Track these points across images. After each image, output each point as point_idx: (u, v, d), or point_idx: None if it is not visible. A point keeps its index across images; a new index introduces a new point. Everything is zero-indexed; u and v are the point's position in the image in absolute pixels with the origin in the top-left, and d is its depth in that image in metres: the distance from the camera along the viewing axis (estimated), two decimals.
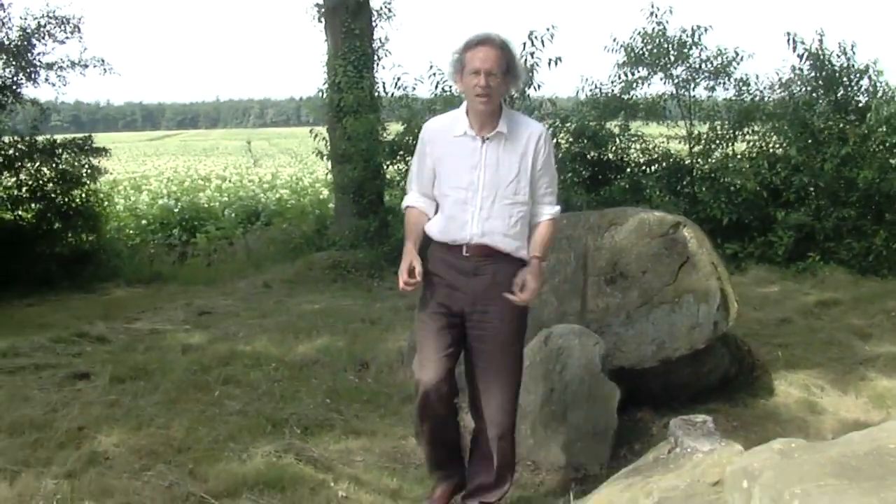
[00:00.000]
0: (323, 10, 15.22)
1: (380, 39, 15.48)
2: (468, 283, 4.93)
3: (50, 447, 6.28)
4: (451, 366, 4.96)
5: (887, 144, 14.30)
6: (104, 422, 6.78)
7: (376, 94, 15.19)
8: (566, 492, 5.61)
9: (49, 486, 5.48)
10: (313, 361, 8.58)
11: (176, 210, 21.21)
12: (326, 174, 18.01)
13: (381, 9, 15.67)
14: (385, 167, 15.09)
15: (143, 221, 20.06)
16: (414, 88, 15.18)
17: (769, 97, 15.83)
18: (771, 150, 15.36)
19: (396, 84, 15.14)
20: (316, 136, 15.76)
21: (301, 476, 5.75)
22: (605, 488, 4.98)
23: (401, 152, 14.47)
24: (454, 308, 4.96)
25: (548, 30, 14.50)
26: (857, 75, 15.09)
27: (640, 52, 15.56)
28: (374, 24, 15.38)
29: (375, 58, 15.30)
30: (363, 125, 14.30)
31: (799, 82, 15.57)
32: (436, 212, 5.05)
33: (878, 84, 15.09)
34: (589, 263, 7.65)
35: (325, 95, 15.38)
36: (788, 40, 15.05)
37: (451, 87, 14.98)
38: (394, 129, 15.07)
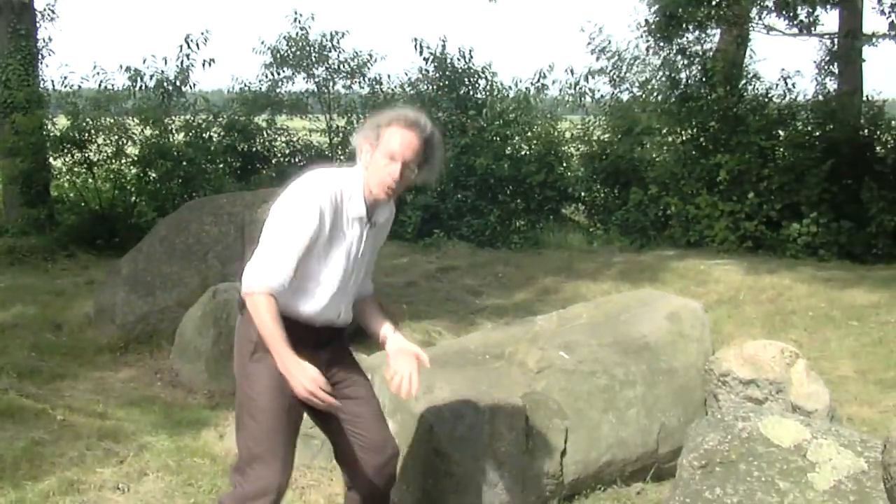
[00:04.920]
0: None
1: (43, 39, 16.15)
2: (317, 350, 4.12)
3: None
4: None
5: (500, 136, 16.49)
6: None
7: (42, 91, 15.83)
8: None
9: None
10: (13, 325, 9.58)
11: None
12: None
13: (44, 10, 16.32)
14: (52, 159, 15.78)
15: None
16: (79, 86, 16.10)
17: (399, 94, 17.70)
18: None
19: (63, 82, 16.02)
20: None
21: (24, 407, 6.96)
22: None
23: (67, 145, 15.12)
24: None
25: (202, 34, 16.01)
26: (476, 76, 17.18)
27: (285, 53, 17.22)
28: (38, 24, 15.99)
29: (40, 56, 15.93)
30: (31, 121, 14.84)
31: (426, 82, 17.52)
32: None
33: (493, 84, 17.34)
34: (246, 234, 9.28)
35: None
36: (416, 45, 17.00)
37: (114, 84, 16.03)
38: (61, 122, 15.72)
